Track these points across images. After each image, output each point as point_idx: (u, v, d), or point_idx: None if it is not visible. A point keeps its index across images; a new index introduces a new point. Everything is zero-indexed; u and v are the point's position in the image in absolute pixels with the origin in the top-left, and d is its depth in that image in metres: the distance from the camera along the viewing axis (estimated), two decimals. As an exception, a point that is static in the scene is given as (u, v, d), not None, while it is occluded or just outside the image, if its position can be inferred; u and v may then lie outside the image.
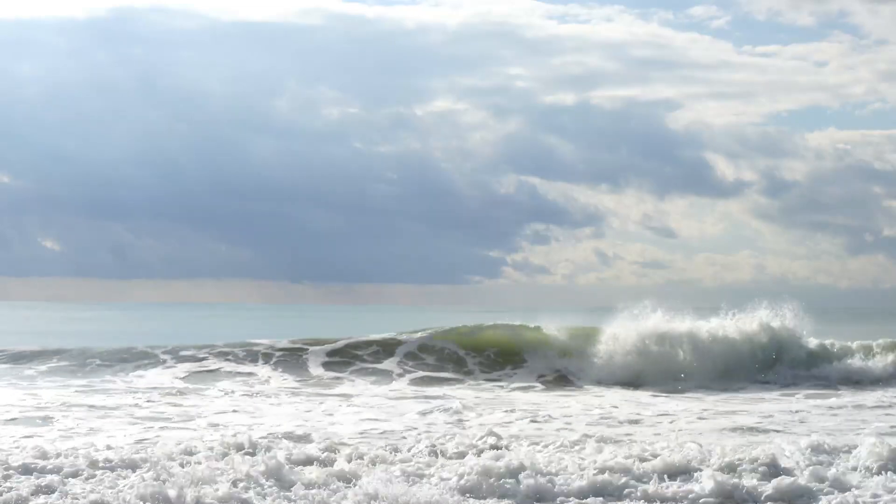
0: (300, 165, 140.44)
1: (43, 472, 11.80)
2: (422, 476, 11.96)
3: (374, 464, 12.53)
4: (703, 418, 18.64)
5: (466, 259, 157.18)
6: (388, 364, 26.39)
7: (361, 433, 15.97)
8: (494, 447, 13.54)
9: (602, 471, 11.90)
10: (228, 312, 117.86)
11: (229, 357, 26.48)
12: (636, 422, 18.06)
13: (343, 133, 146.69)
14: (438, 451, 13.34)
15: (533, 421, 17.77)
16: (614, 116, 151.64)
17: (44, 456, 12.59)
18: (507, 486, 11.46)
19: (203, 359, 26.46)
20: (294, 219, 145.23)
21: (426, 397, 21.60)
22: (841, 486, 11.55)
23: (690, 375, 25.32)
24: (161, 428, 16.51)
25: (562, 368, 26.62)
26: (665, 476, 11.81)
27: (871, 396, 22.43)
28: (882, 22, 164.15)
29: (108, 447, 13.57)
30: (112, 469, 12.02)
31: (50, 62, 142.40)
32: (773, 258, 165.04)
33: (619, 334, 27.15)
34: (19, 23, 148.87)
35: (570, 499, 11.22)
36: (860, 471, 12.20)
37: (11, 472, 11.77)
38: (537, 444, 14.14)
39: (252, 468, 11.69)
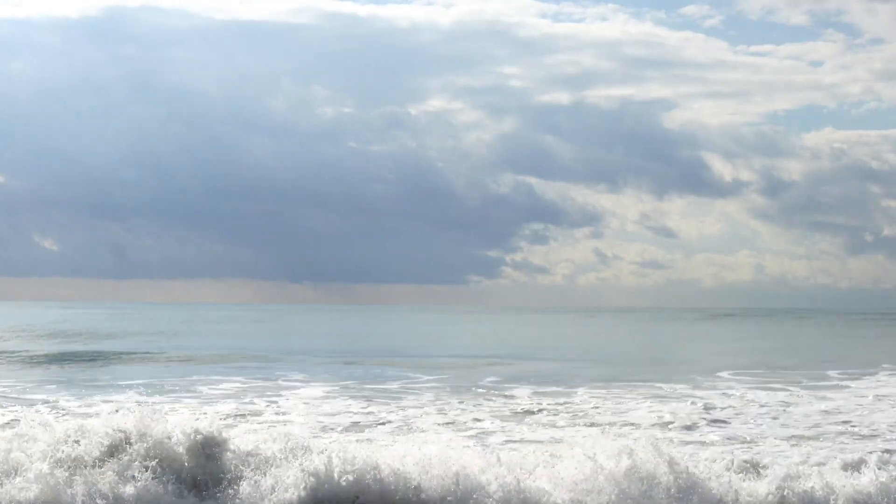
0: (296, 165, 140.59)
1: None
2: None
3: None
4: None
5: (466, 259, 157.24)
6: None
7: None
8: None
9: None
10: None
11: None
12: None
13: (338, 132, 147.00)
14: None
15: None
16: (610, 116, 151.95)
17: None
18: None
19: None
20: (292, 218, 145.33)
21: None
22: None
23: None
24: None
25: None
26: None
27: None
28: (878, 21, 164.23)
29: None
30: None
31: (43, 61, 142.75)
32: (773, 258, 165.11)
33: None
34: (12, 22, 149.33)
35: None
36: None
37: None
38: None
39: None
